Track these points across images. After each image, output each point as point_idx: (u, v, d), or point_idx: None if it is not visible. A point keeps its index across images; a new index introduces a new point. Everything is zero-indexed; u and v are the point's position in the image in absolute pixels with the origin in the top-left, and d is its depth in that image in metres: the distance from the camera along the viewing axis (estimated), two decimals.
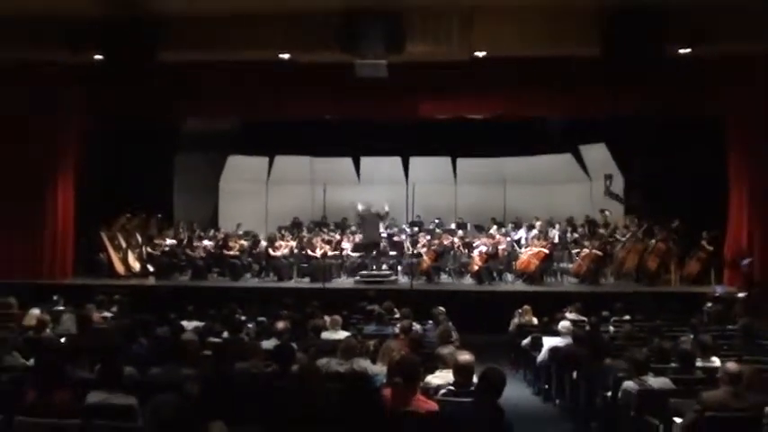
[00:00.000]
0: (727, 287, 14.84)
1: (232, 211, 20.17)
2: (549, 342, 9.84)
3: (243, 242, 17.68)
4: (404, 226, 18.76)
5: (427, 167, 20.70)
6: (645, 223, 16.79)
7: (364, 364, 7.09)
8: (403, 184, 19.34)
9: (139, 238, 17.51)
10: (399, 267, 17.33)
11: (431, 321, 10.75)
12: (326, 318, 10.07)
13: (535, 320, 11.85)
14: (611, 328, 10.81)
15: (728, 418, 5.63)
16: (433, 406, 5.35)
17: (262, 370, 6.80)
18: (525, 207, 19.70)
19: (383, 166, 20.93)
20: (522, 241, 17.73)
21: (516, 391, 10.07)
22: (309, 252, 16.98)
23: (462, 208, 20.32)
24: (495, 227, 18.36)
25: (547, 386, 9.95)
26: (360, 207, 17.22)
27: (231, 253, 17.15)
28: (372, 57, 13.12)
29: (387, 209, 17.39)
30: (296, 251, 17.10)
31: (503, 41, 13.56)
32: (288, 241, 17.61)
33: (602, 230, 17.40)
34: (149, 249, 17.45)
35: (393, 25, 12.83)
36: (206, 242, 17.71)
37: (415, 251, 17.15)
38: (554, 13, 13.03)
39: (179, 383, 5.97)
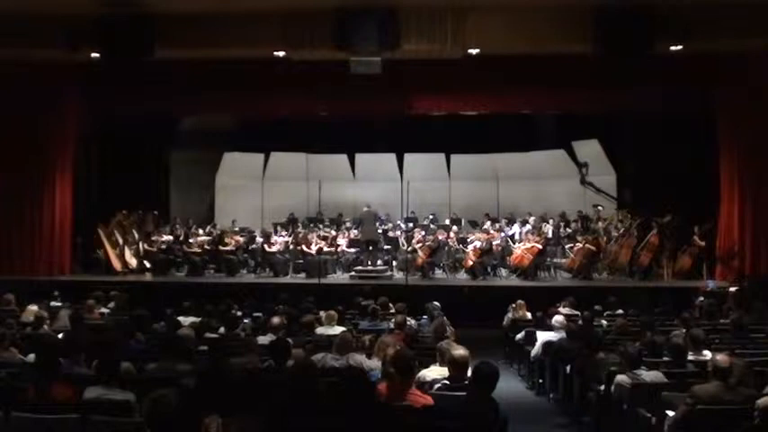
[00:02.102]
0: (718, 281, 14.85)
1: (228, 208, 20.17)
2: (542, 336, 9.84)
3: (239, 238, 17.67)
4: (399, 222, 18.77)
5: (421, 164, 20.70)
6: (638, 218, 16.80)
7: (360, 359, 7.08)
8: (398, 181, 19.33)
9: (136, 235, 17.49)
10: (394, 263, 17.36)
11: (425, 316, 10.75)
12: (322, 313, 10.06)
13: (529, 315, 11.82)
14: (604, 323, 10.79)
15: (720, 411, 5.63)
16: (429, 400, 5.35)
17: (258, 365, 6.79)
18: (519, 203, 19.73)
19: (378, 163, 20.91)
20: (516, 236, 17.74)
21: (510, 386, 10.08)
22: (305, 248, 16.94)
23: (456, 204, 20.33)
24: (488, 222, 18.38)
25: (540, 380, 9.95)
26: (365, 208, 17.31)
27: (227, 249, 17.13)
28: (367, 54, 13.12)
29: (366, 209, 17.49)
30: (291, 247, 17.08)
31: (496, 39, 13.56)
32: (283, 237, 17.59)
33: (595, 225, 17.43)
34: (146, 246, 17.43)
35: (387, 22, 12.82)
36: (202, 238, 17.69)
37: (409, 247, 17.15)
38: (547, 10, 13.05)
39: (176, 379, 5.95)
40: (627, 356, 6.98)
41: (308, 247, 16.94)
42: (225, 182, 20.64)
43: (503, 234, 17.54)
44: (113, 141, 17.99)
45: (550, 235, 17.50)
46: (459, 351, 5.95)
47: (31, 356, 7.01)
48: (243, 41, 13.58)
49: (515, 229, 18.10)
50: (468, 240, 17.21)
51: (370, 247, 17.17)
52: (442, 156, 20.87)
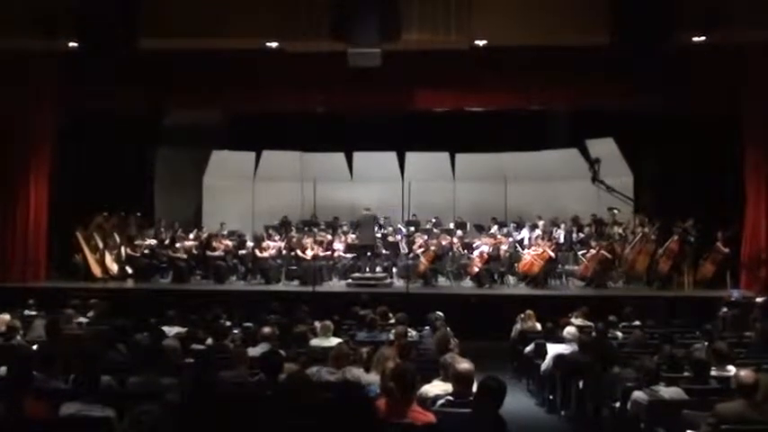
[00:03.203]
0: (743, 291, 14.84)
1: (216, 210, 20.10)
2: (553, 349, 9.84)
3: (228, 242, 17.65)
4: (399, 226, 18.75)
5: (424, 163, 20.68)
6: (657, 222, 16.77)
7: (357, 372, 7.08)
8: (398, 181, 19.33)
9: (117, 239, 17.44)
10: (394, 270, 17.34)
11: (428, 327, 10.74)
12: (317, 323, 10.08)
13: (539, 326, 11.82)
14: (620, 335, 10.80)
15: (746, 431, 5.62)
16: (431, 417, 5.34)
17: (248, 379, 6.79)
18: (528, 205, 19.69)
19: (377, 162, 20.89)
20: (525, 242, 17.74)
21: (519, 402, 10.08)
22: (299, 253, 16.94)
23: (461, 206, 20.30)
24: (495, 226, 18.35)
25: (551, 396, 9.94)
26: (364, 211, 17.34)
27: (215, 254, 17.13)
28: (366, 45, 13.12)
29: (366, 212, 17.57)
30: (284, 252, 17.07)
31: (504, 29, 13.60)
32: (276, 242, 17.58)
33: (610, 230, 17.39)
34: (128, 250, 17.39)
35: (388, 11, 12.83)
36: (188, 242, 17.66)
37: (411, 252, 17.13)
38: None
39: (160, 393, 5.95)
40: (644, 371, 6.98)
41: (303, 253, 16.92)
42: (213, 182, 20.61)
43: (511, 239, 17.54)
44: (93, 138, 17.94)
45: (562, 240, 17.49)
46: (464, 365, 5.95)
47: (3, 369, 6.99)
48: (233, 32, 13.61)
49: (524, 233, 18.11)
50: (474, 246, 17.19)
51: (368, 253, 17.15)
52: (445, 155, 20.85)
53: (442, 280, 17.09)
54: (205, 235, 17.82)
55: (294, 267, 16.88)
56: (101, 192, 17.84)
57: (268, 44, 14.20)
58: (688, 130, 16.68)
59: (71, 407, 5.55)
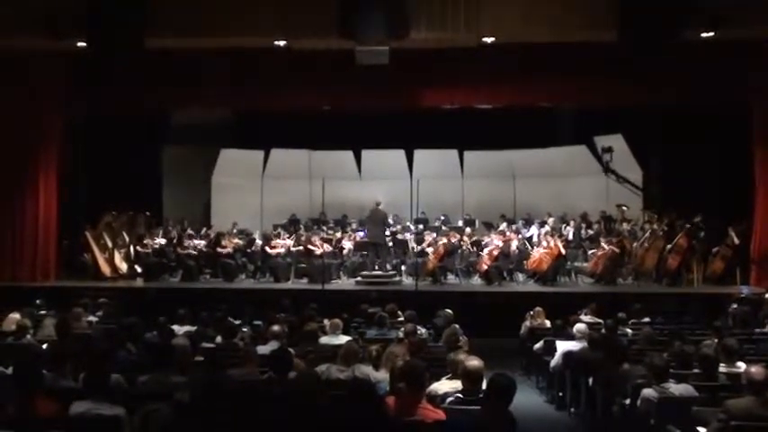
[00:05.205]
0: (753, 287, 14.81)
1: (225, 208, 20.16)
2: (562, 346, 9.81)
3: (237, 241, 17.66)
4: (408, 223, 18.73)
5: (432, 161, 20.69)
6: (666, 219, 16.73)
7: (366, 370, 7.08)
8: (407, 179, 19.34)
9: (126, 237, 17.46)
10: (403, 267, 17.31)
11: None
12: (326, 321, 10.08)
13: (548, 323, 11.82)
14: (630, 332, 10.77)
15: (755, 427, 5.60)
16: (440, 414, 5.33)
17: (257, 377, 6.79)
18: (537, 202, 19.69)
19: (386, 160, 20.92)
20: (534, 239, 17.70)
21: (528, 399, 10.06)
22: (308, 250, 16.92)
23: (470, 204, 20.30)
24: (504, 224, 18.33)
25: (560, 393, 9.92)
26: (376, 204, 17.26)
27: (225, 252, 17.12)
28: (374, 43, 13.11)
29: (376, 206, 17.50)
30: (293, 250, 17.05)
31: (512, 27, 13.56)
32: (285, 240, 17.58)
33: (619, 226, 17.36)
34: (137, 249, 17.40)
35: (396, 9, 12.80)
36: (197, 241, 17.68)
37: (420, 250, 17.11)
38: None
39: (169, 392, 5.95)
40: (654, 368, 6.96)
41: (312, 250, 16.85)
42: (222, 180, 20.64)
43: (520, 236, 17.51)
44: (102, 137, 17.99)
45: (571, 237, 17.47)
46: (473, 362, 5.94)
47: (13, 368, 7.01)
48: (240, 30, 13.60)
49: (533, 230, 18.07)
50: (483, 243, 17.17)
51: (376, 250, 17.09)
52: (454, 152, 20.86)
53: (451, 277, 17.06)
54: (214, 233, 17.80)
55: (303, 265, 16.85)
56: (109, 191, 17.91)
57: (276, 42, 14.20)
58: (697, 126, 16.64)
59: (81, 405, 5.56)
